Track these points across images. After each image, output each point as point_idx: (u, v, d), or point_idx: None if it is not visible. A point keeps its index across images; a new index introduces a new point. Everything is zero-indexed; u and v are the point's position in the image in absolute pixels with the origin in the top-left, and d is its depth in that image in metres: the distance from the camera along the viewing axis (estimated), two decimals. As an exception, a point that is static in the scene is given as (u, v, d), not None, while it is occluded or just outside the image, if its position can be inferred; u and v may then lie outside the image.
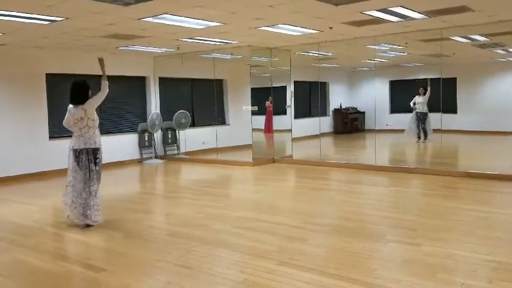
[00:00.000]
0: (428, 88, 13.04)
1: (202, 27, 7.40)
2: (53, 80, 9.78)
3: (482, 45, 10.90)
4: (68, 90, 9.30)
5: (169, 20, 6.77)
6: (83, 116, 5.27)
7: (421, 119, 13.17)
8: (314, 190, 7.91)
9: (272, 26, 7.49)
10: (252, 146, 10.50)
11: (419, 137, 13.28)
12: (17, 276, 4.10)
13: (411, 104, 13.41)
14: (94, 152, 5.31)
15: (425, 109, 13.05)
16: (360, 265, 4.12)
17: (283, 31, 7.98)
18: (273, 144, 11.91)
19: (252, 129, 10.78)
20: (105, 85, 5.53)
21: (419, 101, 13.13)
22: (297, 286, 3.58)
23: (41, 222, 5.92)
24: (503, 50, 12.05)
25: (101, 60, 5.61)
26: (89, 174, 5.26)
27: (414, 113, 13.28)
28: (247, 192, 8.06)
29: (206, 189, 7.98)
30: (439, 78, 13.91)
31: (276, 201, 7.01)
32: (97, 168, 5.34)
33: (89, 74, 10.30)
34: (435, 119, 12.80)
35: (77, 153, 5.28)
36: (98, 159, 5.34)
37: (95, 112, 5.44)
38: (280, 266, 4.00)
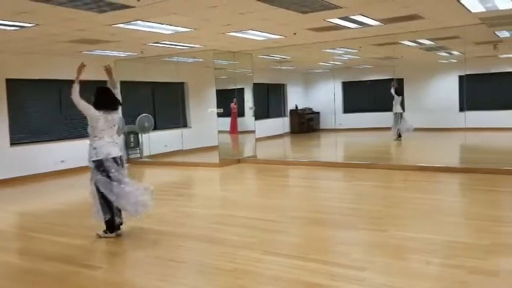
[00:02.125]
0: (392, 89, 13.52)
1: (170, 32, 7.62)
2: (14, 86, 9.64)
3: (428, 49, 11.75)
4: (30, 95, 9.21)
5: (139, 25, 6.95)
6: (115, 123, 5.18)
7: (397, 117, 13.58)
8: (282, 187, 8.35)
9: (240, 31, 7.84)
10: (218, 147, 10.77)
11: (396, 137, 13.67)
12: (11, 277, 4.21)
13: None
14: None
15: (398, 109, 13.51)
16: (337, 250, 4.58)
17: (249, 36, 8.35)
18: (238, 145, 12.22)
19: (218, 131, 11.05)
20: (118, 94, 5.46)
21: (394, 102, 13.54)
22: (284, 271, 3.95)
23: (19, 228, 5.97)
24: (446, 52, 13.00)
25: (108, 69, 5.58)
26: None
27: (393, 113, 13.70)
28: (218, 191, 8.36)
29: (178, 190, 8.21)
30: (388, 79, 14.90)
31: (249, 198, 7.39)
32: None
33: (50, 78, 10.30)
34: (391, 118, 13.65)
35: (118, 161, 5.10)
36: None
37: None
38: (265, 256, 4.36)
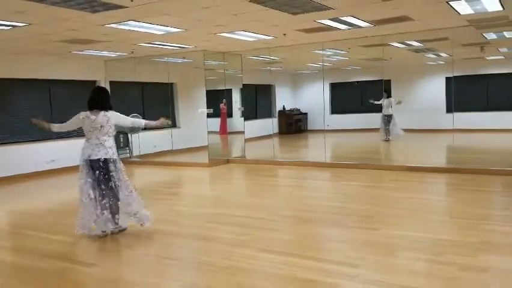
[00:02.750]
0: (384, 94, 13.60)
1: (162, 33, 7.65)
2: (1, 85, 9.55)
3: (416, 50, 11.93)
4: (19, 94, 9.16)
5: (132, 26, 6.97)
6: (103, 124, 5.02)
7: (386, 120, 13.62)
8: (272, 187, 8.42)
9: (231, 32, 7.90)
10: (208, 147, 10.81)
11: (387, 138, 13.71)
12: (7, 274, 4.22)
13: (374, 102, 13.72)
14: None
15: (389, 111, 13.57)
16: (329, 248, 4.67)
17: (240, 37, 8.41)
18: (227, 145, 12.26)
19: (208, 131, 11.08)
20: (139, 122, 5.51)
21: (384, 104, 13.59)
22: (279, 268, 4.01)
23: (13, 226, 5.94)
24: (434, 54, 13.20)
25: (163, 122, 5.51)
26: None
27: (381, 115, 13.69)
28: (209, 191, 8.40)
29: (168, 190, 8.23)
30: (376, 80, 15.07)
31: (240, 197, 7.46)
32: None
33: (40, 78, 10.24)
34: (379, 119, 13.78)
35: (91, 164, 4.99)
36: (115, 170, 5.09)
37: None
38: (260, 253, 4.41)
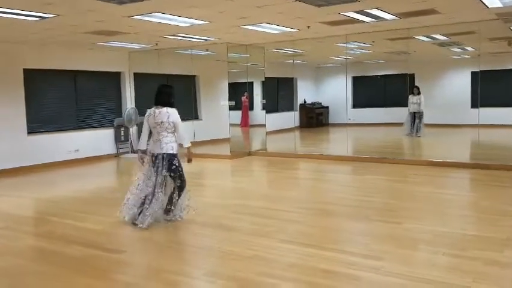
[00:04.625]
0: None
1: (187, 25, 7.70)
2: (31, 75, 9.78)
3: (442, 44, 11.75)
4: (46, 85, 9.33)
5: (157, 18, 7.03)
6: (163, 120, 5.12)
7: (416, 117, 13.28)
8: (294, 179, 8.45)
9: (255, 24, 7.91)
10: (230, 139, 10.88)
11: (411, 132, 13.37)
12: (38, 260, 4.36)
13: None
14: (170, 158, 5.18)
15: (420, 109, 13.24)
16: (353, 240, 4.67)
17: (263, 29, 8.41)
18: (249, 138, 12.32)
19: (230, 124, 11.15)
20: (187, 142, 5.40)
21: (413, 101, 13.25)
22: (302, 259, 4.05)
23: (41, 213, 6.11)
24: (459, 48, 12.98)
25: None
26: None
27: (409, 113, 13.29)
28: (232, 182, 8.47)
29: (192, 181, 8.23)
30: (399, 74, 14.88)
31: (261, 189, 7.52)
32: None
33: (66, 69, 10.45)
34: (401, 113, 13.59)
35: (154, 158, 5.17)
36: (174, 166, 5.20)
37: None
38: (283, 244, 4.46)
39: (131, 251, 4.43)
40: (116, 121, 11.62)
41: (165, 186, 5.21)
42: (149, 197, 5.09)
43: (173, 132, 5.22)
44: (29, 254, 4.51)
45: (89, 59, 10.86)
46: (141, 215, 5.08)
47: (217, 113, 12.59)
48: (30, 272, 3.98)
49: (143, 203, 5.11)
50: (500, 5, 6.72)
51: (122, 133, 11.67)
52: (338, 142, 11.61)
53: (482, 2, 6.45)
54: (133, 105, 11.91)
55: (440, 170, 8.37)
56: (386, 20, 7.72)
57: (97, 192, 7.46)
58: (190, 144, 5.39)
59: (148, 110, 5.31)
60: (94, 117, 11.37)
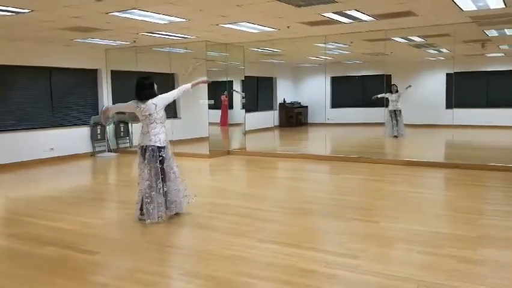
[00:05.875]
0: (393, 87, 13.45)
1: (165, 22, 7.63)
2: (3, 72, 9.54)
3: (418, 45, 11.93)
4: (19, 81, 9.14)
5: (135, 14, 6.96)
6: (150, 112, 5.12)
7: (397, 115, 13.43)
8: (272, 178, 8.47)
9: (234, 23, 7.89)
10: (209, 138, 10.84)
11: (393, 132, 13.47)
12: (11, 261, 4.24)
13: (378, 96, 13.18)
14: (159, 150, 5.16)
15: (398, 106, 13.40)
16: (330, 239, 4.71)
17: (243, 28, 8.40)
18: (228, 137, 12.29)
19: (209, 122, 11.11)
20: (185, 88, 5.42)
21: (392, 99, 13.38)
22: (280, 258, 4.05)
23: (14, 213, 5.96)
24: (435, 50, 13.21)
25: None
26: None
27: (388, 112, 13.39)
28: (210, 181, 8.44)
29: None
30: (376, 74, 15.06)
31: (240, 188, 7.52)
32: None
33: (40, 65, 10.23)
34: (379, 113, 13.73)
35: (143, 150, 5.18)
36: (161, 157, 5.18)
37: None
38: (261, 243, 4.46)
39: (107, 252, 4.36)
40: (93, 119, 11.45)
41: (164, 176, 5.19)
42: (147, 190, 5.08)
43: (162, 123, 5.22)
44: (2, 256, 4.39)
45: (65, 55, 10.67)
46: (145, 210, 5.08)
47: (196, 112, 12.53)
48: (3, 274, 3.89)
49: (148, 199, 5.09)
50: (474, 8, 6.86)
51: (98, 131, 11.50)
52: (317, 141, 11.71)
53: (457, 5, 6.58)
54: (110, 103, 11.76)
55: (416, 169, 8.51)
56: (364, 21, 7.81)
57: (73, 191, 7.34)
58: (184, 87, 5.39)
59: (133, 101, 5.21)
60: (69, 115, 11.18)
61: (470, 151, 10.75)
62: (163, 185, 5.17)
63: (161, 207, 5.17)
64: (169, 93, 5.33)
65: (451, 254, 4.04)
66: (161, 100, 5.21)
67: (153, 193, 5.10)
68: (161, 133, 5.18)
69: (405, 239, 4.56)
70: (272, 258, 4.06)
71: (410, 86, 13.63)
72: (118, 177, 9.45)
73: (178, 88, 5.41)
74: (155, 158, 5.12)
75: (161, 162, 5.17)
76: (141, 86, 5.18)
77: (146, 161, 5.13)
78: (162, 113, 5.22)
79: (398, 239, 4.59)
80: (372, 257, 4.06)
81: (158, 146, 5.14)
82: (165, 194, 5.22)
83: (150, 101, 5.13)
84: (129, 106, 5.31)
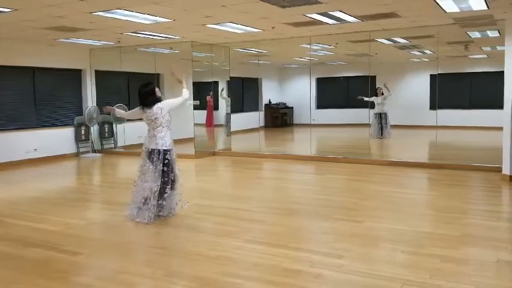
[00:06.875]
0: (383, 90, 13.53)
1: (149, 22, 7.59)
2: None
3: (402, 47, 12.06)
4: (1, 81, 8.91)
5: (119, 14, 6.90)
6: (156, 117, 5.19)
7: (382, 118, 13.56)
8: (258, 179, 8.48)
9: (219, 24, 7.88)
10: (194, 139, 10.80)
11: (379, 134, 13.57)
12: (-9, 263, 4.18)
13: (364, 98, 13.25)
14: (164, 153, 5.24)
15: (384, 109, 13.52)
16: (315, 239, 4.74)
17: (228, 29, 8.39)
18: (214, 137, 12.26)
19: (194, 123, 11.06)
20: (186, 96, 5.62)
21: (378, 102, 13.49)
22: (266, 258, 4.06)
23: (-5, 214, 5.87)
24: (419, 51, 13.35)
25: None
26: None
27: (374, 115, 13.47)
28: (196, 182, 8.40)
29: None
30: (361, 75, 15.17)
31: (226, 189, 7.51)
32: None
33: (23, 65, 10.09)
34: (364, 114, 13.81)
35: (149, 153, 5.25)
36: (167, 160, 5.25)
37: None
38: (247, 244, 4.46)
39: (90, 252, 4.32)
40: (77, 119, 11.34)
41: (167, 180, 5.24)
42: (147, 191, 5.13)
43: (168, 126, 5.29)
44: (-17, 257, 4.32)
45: (48, 55, 10.54)
46: (145, 209, 5.11)
47: (181, 113, 12.44)
48: (-16, 275, 3.83)
49: (145, 200, 5.14)
50: (457, 10, 6.96)
51: (82, 132, 11.39)
52: (302, 142, 11.72)
53: (440, 6, 6.66)
54: (94, 104, 11.66)
55: (400, 169, 8.60)
56: (349, 22, 7.86)
57: (56, 192, 7.25)
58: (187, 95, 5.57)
59: (140, 107, 5.31)
60: (53, 116, 11.04)
61: (454, 151, 10.90)
62: (165, 189, 5.22)
63: (155, 209, 5.18)
64: (175, 99, 5.47)
65: (435, 253, 4.09)
66: (167, 105, 5.30)
67: (151, 195, 5.13)
68: (167, 136, 5.28)
69: (389, 239, 4.61)
70: (258, 258, 4.07)
71: (385, 83, 13.65)
72: (102, 178, 9.37)
73: (183, 96, 5.51)
74: (160, 160, 5.18)
75: (166, 165, 5.23)
76: (144, 94, 5.25)
77: (151, 163, 5.18)
78: (168, 117, 5.29)
79: (382, 239, 4.63)
80: (356, 256, 4.09)
81: (164, 149, 5.22)
82: (165, 198, 5.26)
83: (156, 106, 5.20)
84: (136, 113, 5.43)
